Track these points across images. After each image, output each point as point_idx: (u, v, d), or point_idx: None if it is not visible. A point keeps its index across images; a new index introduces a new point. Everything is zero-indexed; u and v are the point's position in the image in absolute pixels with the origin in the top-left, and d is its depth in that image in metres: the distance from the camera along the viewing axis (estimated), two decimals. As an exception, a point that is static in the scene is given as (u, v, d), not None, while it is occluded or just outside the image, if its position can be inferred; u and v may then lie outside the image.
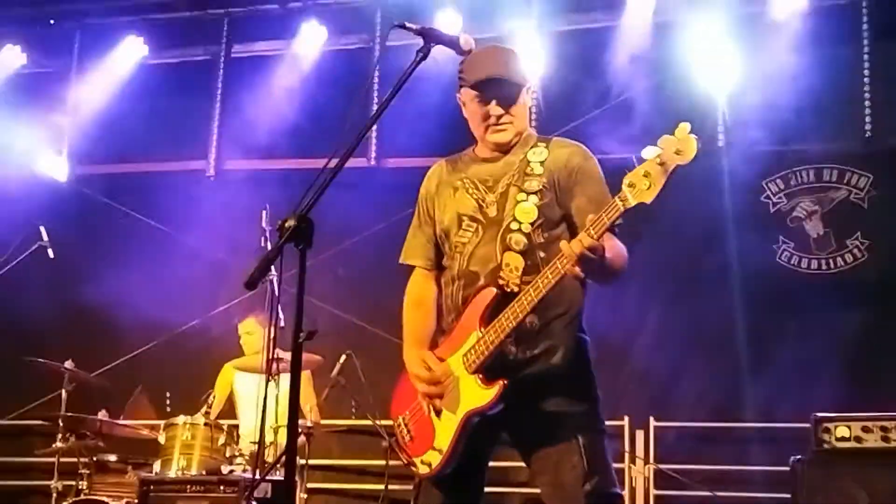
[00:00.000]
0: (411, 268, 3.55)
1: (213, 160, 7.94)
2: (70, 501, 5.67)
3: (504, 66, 3.34)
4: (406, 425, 3.39)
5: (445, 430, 3.23)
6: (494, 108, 3.33)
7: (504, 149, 3.38)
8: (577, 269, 2.95)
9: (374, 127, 7.31)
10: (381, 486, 5.90)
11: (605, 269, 3.02)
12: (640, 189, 2.85)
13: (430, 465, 3.27)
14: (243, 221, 6.50)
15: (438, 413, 3.26)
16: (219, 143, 7.95)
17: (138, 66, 7.93)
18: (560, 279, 3.01)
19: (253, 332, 6.32)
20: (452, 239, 3.37)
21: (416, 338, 3.42)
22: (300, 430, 5.20)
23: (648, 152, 2.85)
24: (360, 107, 7.36)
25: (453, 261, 3.36)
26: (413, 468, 3.35)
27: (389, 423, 3.40)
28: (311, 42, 7.71)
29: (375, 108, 6.64)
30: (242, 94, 7.83)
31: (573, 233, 3.17)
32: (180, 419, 5.54)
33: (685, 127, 2.81)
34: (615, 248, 3.12)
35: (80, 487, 5.78)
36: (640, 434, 6.65)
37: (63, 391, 6.10)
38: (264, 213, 5.83)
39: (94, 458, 5.83)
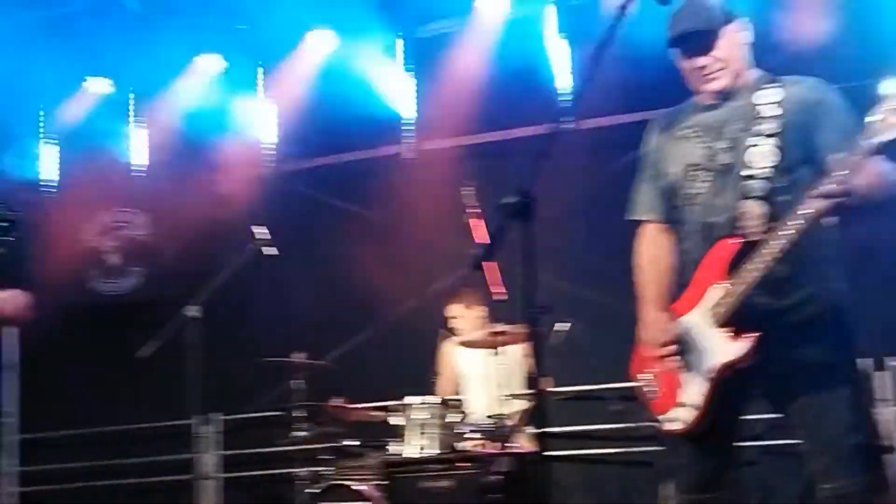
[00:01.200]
0: (636, 225, 3.49)
1: (410, 142, 8.05)
2: (318, 488, 5.87)
3: (693, 17, 3.24)
4: (649, 383, 3.35)
5: (694, 386, 3.17)
6: (698, 61, 3.24)
7: (724, 95, 3.27)
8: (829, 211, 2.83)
9: (567, 90, 7.27)
10: (619, 450, 5.90)
11: (868, 202, 2.89)
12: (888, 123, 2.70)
13: (678, 421, 3.22)
14: (446, 200, 6.58)
15: (683, 369, 3.21)
16: (414, 124, 8.05)
17: (328, 58, 8.11)
18: (812, 223, 2.90)
19: (462, 315, 6.36)
20: (683, 191, 3.29)
21: (653, 295, 3.36)
22: (530, 399, 5.23)
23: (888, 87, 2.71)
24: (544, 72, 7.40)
25: (686, 213, 3.28)
26: (660, 426, 3.31)
27: (618, 385, 3.37)
28: (490, 13, 7.70)
29: (560, 72, 6.55)
30: (430, 74, 7.92)
31: (819, 171, 3.03)
32: (415, 399, 5.63)
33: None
34: (880, 173, 2.96)
35: (324, 474, 6.00)
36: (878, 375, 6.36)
37: (299, 381, 6.36)
38: (466, 190, 5.84)
39: (335, 444, 6.04)
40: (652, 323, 3.29)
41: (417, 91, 8.05)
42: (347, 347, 7.36)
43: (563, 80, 7.36)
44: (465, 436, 5.53)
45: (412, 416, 5.54)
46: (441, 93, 7.82)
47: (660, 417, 3.30)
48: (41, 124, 8.83)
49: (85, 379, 8.24)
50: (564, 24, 7.52)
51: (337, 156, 8.27)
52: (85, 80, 8.46)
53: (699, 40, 3.23)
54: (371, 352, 7.42)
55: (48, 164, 8.90)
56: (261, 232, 6.45)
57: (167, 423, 7.70)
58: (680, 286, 3.32)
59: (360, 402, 6.36)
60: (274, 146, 8.38)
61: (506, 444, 5.33)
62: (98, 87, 8.49)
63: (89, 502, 8.05)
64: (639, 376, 3.39)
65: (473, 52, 7.73)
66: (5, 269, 3.45)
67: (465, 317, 6.35)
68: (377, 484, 5.61)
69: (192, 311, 6.20)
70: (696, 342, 3.17)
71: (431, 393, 5.91)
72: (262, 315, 7.94)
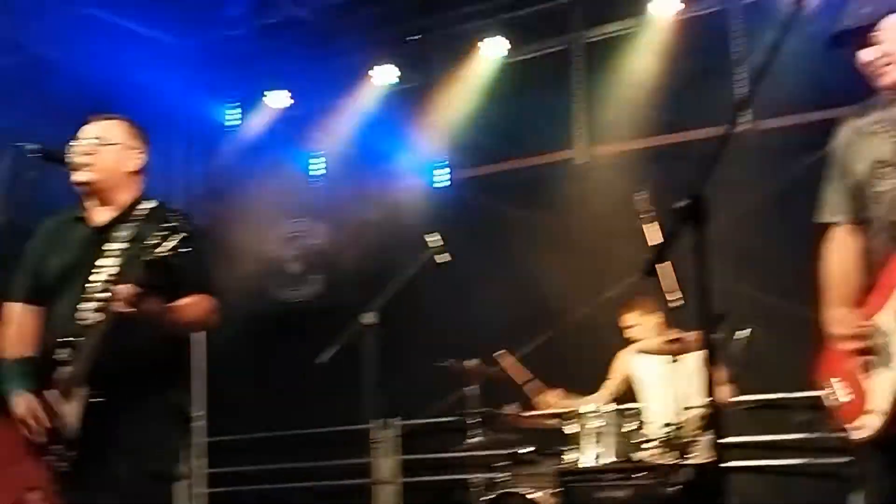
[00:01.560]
0: (822, 227, 3.36)
1: (581, 147, 7.98)
2: (493, 495, 5.87)
3: (853, 14, 3.12)
4: (836, 391, 3.21)
5: (881, 392, 3.01)
6: (866, 55, 3.11)
7: None
8: None
9: (744, 89, 7.05)
10: (805, 461, 5.66)
11: None
12: None
13: (865, 429, 3.07)
14: (619, 205, 6.49)
15: (871, 374, 3.06)
16: (584, 129, 7.98)
17: (498, 66, 8.13)
18: None
19: (639, 323, 6.26)
20: (871, 188, 3.14)
21: (840, 297, 3.22)
22: (709, 408, 5.08)
23: None
24: (723, 73, 7.20)
25: (874, 212, 3.13)
26: (847, 435, 3.16)
27: (803, 395, 3.23)
28: (663, 14, 7.55)
29: (736, 71, 6.35)
30: (601, 78, 7.84)
31: None
32: (589, 406, 5.57)
33: None
34: None
35: (499, 481, 6.00)
36: None
37: (473, 387, 6.39)
38: (639, 195, 5.73)
39: (510, 451, 6.03)
40: (841, 319, 3.15)
41: (590, 95, 7.96)
42: (522, 353, 7.33)
43: (740, 79, 7.13)
44: (643, 445, 5.42)
45: (587, 425, 5.48)
46: (614, 96, 7.72)
47: (847, 426, 3.16)
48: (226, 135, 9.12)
49: (267, 384, 8.51)
50: (741, 21, 7.30)
51: (509, 162, 8.27)
52: (265, 95, 8.72)
53: (860, 35, 3.11)
54: (546, 357, 7.37)
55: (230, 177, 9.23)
56: (434, 240, 6.51)
57: (346, 428, 7.88)
58: (866, 288, 3.17)
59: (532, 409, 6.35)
60: (447, 155, 8.43)
61: (684, 454, 5.20)
62: (278, 100, 8.74)
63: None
64: (826, 383, 3.26)
65: (647, 54, 7.60)
66: (188, 278, 3.57)
67: (642, 324, 6.24)
68: (551, 492, 5.57)
69: (370, 317, 6.29)
70: (884, 345, 3.02)
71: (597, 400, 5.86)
72: (437, 321, 8.02)
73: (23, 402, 3.50)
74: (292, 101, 8.74)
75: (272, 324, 8.51)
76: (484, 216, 8.05)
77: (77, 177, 3.63)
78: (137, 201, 3.69)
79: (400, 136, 8.30)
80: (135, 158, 3.73)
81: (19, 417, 3.49)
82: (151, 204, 3.64)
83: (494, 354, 6.27)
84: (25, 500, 6.97)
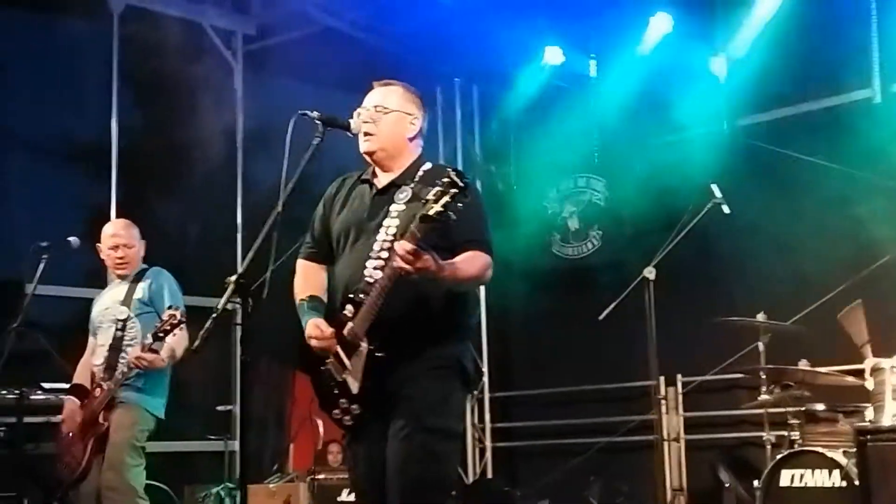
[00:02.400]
0: None
1: (878, 85, 7.43)
2: (785, 453, 5.65)
3: None
4: None
5: None
6: None
7: None
8: None
9: None
10: None
11: None
12: None
13: None
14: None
15: None
16: (881, 66, 7.41)
17: (785, 6, 7.68)
18: None
19: None
20: None
21: None
22: None
23: None
24: None
25: None
26: None
27: None
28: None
29: None
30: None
31: None
32: (887, 362, 5.22)
33: None
34: None
35: (791, 438, 5.76)
36: None
37: (760, 343, 6.16)
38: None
39: (803, 409, 5.77)
40: None
41: (882, 32, 7.37)
42: (813, 308, 6.98)
43: None
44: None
45: (883, 381, 5.16)
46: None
47: None
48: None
49: (549, 340, 8.56)
50: None
51: (798, 105, 7.82)
52: (544, 49, 8.63)
53: None
54: (836, 313, 6.96)
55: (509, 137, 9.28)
56: (716, 190, 6.28)
57: (628, 384, 7.81)
58: None
59: (826, 366, 6.03)
60: (730, 100, 8.08)
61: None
62: (553, 56, 8.65)
63: (556, 458, 8.37)
64: None
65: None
66: (463, 234, 3.60)
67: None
68: (846, 451, 5.28)
69: (650, 272, 6.17)
70: None
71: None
72: (721, 274, 7.77)
73: (312, 325, 3.67)
74: (564, 57, 8.62)
75: (554, 280, 8.53)
76: (771, 163, 7.66)
77: (361, 146, 3.75)
78: (417, 164, 3.75)
79: (683, 82, 8.01)
80: (412, 124, 3.80)
81: (311, 343, 3.66)
82: (428, 166, 3.72)
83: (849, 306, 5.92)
84: (327, 451, 7.39)
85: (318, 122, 3.55)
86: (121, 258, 5.32)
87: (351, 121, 3.65)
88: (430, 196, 3.23)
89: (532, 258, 8.21)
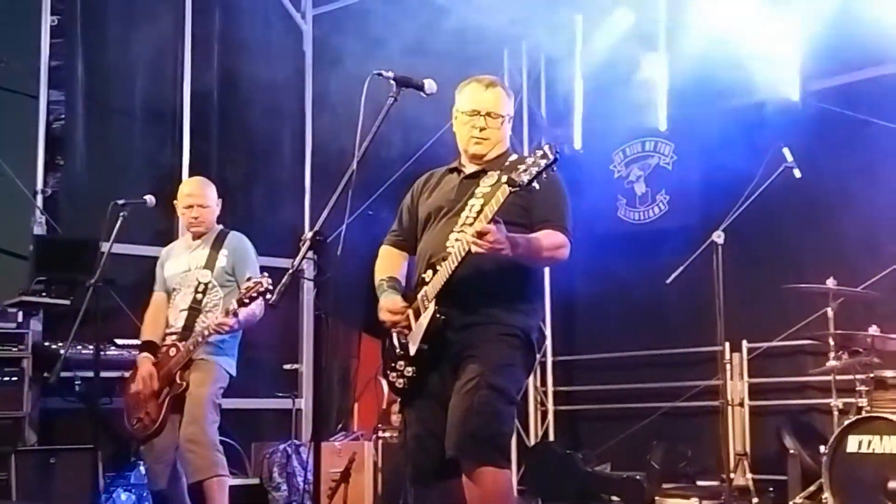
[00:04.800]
0: None
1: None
2: (853, 418, 5.61)
3: None
4: None
5: None
6: None
7: None
8: None
9: None
10: None
11: None
12: None
13: None
14: None
15: None
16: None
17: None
18: None
19: None
20: None
21: None
22: None
23: None
24: None
25: None
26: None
27: None
28: None
29: None
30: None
31: None
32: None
33: None
34: None
35: (859, 405, 5.71)
36: None
37: (829, 309, 6.10)
38: None
39: (871, 375, 5.72)
40: None
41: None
42: (885, 274, 6.88)
43: None
44: None
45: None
46: None
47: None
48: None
49: (614, 305, 8.55)
50: None
51: (869, 70, 7.66)
52: (613, 12, 8.55)
53: None
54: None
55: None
56: (788, 153, 6.21)
57: (695, 350, 7.77)
58: None
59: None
60: (802, 64, 7.93)
61: None
62: (624, 18, 8.56)
63: (618, 423, 8.38)
64: None
65: None
66: (542, 212, 3.71)
67: None
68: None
69: (718, 236, 6.13)
70: None
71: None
72: (790, 240, 7.68)
73: (386, 302, 3.78)
74: (634, 18, 8.51)
75: (620, 244, 8.50)
76: (843, 128, 7.52)
77: (472, 148, 3.87)
78: (506, 154, 3.93)
79: (751, 46, 7.87)
80: (510, 122, 3.97)
81: (382, 315, 3.78)
82: (514, 157, 3.88)
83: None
84: (391, 411, 7.50)
85: (392, 81, 3.60)
86: (196, 217, 5.42)
87: (425, 81, 3.70)
88: (522, 165, 3.30)
89: (597, 222, 8.19)
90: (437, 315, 3.63)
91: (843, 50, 7.57)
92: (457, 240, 3.63)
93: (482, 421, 3.55)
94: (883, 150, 7.22)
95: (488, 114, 3.84)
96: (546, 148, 3.30)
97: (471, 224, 3.59)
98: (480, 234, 3.37)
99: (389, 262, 3.99)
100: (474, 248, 3.42)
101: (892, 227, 6.89)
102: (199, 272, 5.32)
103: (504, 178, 3.39)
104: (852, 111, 7.47)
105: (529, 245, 3.58)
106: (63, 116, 7.20)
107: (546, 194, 3.50)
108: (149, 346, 5.36)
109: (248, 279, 4.97)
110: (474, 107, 3.85)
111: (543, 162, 3.28)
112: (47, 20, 7.14)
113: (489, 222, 3.39)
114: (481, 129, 3.83)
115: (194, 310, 5.25)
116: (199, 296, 5.26)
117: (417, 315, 3.71)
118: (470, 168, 3.89)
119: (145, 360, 5.30)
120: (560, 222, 3.72)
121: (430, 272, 3.69)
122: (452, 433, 3.58)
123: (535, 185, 3.29)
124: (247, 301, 4.91)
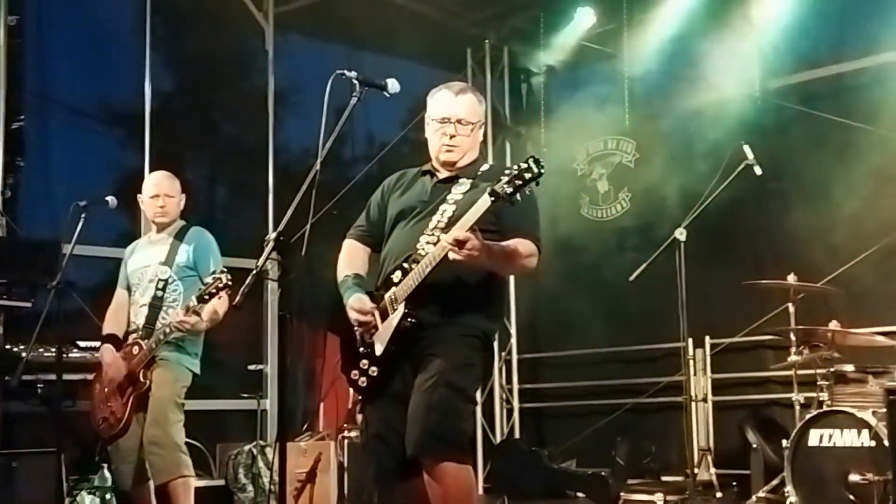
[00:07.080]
0: None
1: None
2: (814, 412, 5.67)
3: None
4: None
5: None
6: None
7: None
8: None
9: None
10: None
11: None
12: None
13: None
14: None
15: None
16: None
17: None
18: None
19: None
20: None
21: None
22: None
23: None
24: None
25: None
26: None
27: None
28: None
29: None
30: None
31: None
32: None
33: None
34: None
35: (821, 399, 5.78)
36: None
37: (790, 305, 6.17)
38: None
39: (832, 370, 5.79)
40: None
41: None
42: (844, 269, 6.96)
43: None
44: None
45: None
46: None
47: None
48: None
49: (578, 302, 8.59)
50: None
51: (828, 67, 7.76)
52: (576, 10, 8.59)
53: None
54: (866, 275, 6.95)
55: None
56: (748, 150, 6.27)
57: (657, 346, 7.83)
58: None
59: (855, 328, 6.03)
60: (762, 62, 8.01)
61: None
62: (587, 17, 8.60)
63: (583, 419, 8.42)
64: None
65: None
66: (515, 222, 3.71)
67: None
68: (876, 411, 5.31)
69: (681, 233, 6.18)
70: None
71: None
72: (750, 236, 7.76)
73: (356, 298, 3.78)
74: (595, 19, 8.57)
75: (581, 242, 8.53)
76: (803, 125, 7.61)
77: (443, 154, 3.87)
78: (477, 162, 3.94)
79: (711, 45, 7.94)
80: (481, 129, 3.97)
81: (351, 315, 3.77)
82: (486, 166, 3.91)
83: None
84: (356, 411, 7.49)
85: (355, 81, 3.60)
86: (161, 207, 5.35)
87: (387, 81, 3.70)
88: (505, 174, 3.32)
89: (561, 220, 8.22)
90: (408, 318, 3.64)
91: (803, 47, 7.67)
92: (428, 243, 3.64)
93: (441, 418, 3.57)
94: (842, 147, 7.30)
95: (458, 121, 3.84)
96: (531, 161, 3.32)
97: (442, 229, 3.61)
98: (460, 243, 3.38)
99: (354, 258, 3.98)
100: (451, 255, 3.43)
101: (851, 223, 6.96)
102: (158, 268, 5.27)
103: (484, 187, 3.40)
104: (812, 108, 7.56)
105: (504, 254, 3.60)
106: (22, 117, 7.13)
107: (521, 203, 3.49)
108: (111, 339, 5.30)
109: (213, 273, 4.94)
110: (444, 114, 3.85)
111: (528, 175, 3.30)
112: (4, 20, 7.06)
113: (468, 231, 3.40)
114: (451, 137, 3.83)
115: (154, 307, 5.20)
116: (160, 292, 5.21)
117: (384, 315, 3.71)
118: (443, 173, 3.90)
119: (108, 350, 5.22)
120: (532, 232, 3.74)
121: (398, 273, 3.69)
122: (412, 431, 3.60)
123: (518, 197, 3.32)
124: (206, 298, 4.87)
